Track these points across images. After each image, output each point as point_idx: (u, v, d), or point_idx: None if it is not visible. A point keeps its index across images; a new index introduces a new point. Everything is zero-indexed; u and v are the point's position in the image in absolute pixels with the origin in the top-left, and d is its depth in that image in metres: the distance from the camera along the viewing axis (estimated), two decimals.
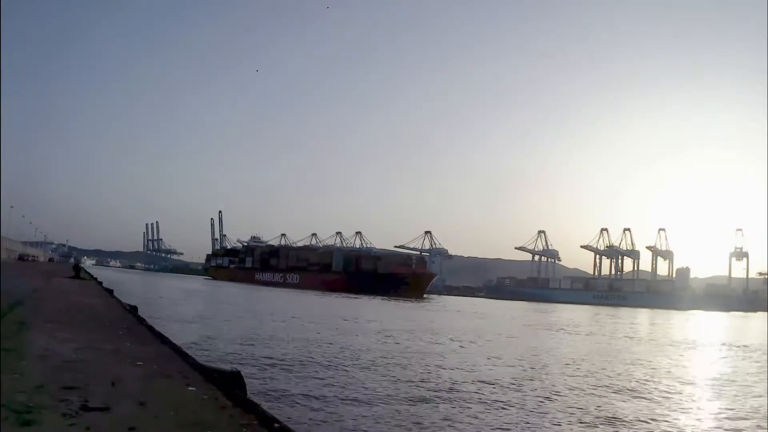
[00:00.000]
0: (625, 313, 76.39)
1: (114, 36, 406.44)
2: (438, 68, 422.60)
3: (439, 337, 26.90)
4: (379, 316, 40.71)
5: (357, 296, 78.76)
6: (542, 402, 12.83)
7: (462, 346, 23.65)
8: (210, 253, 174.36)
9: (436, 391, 13.28)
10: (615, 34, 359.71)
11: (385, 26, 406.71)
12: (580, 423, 11.15)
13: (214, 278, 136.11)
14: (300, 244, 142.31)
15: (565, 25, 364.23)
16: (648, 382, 16.56)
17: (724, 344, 33.09)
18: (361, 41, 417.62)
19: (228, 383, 5.69)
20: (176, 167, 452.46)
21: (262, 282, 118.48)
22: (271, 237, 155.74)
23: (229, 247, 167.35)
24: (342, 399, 11.85)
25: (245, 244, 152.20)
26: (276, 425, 4.21)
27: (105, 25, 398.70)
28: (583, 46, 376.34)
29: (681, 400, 14.32)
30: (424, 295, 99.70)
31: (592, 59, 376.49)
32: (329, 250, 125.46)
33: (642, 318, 65.77)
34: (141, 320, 12.41)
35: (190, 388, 5.24)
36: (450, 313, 53.82)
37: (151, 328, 10.72)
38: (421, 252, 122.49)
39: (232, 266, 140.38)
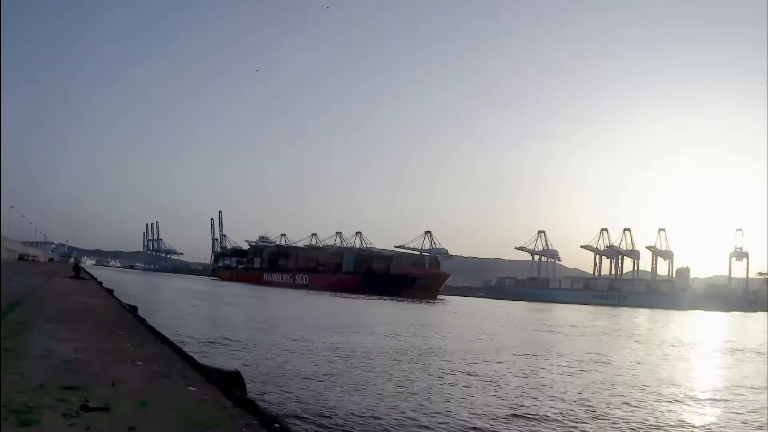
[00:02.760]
0: (627, 313, 76.41)
1: (113, 36, 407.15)
2: (438, 68, 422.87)
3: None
4: (392, 319, 40.68)
5: (368, 297, 77.64)
6: None
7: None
8: (213, 253, 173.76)
9: (447, 401, 13.24)
10: (615, 35, 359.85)
11: (386, 26, 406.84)
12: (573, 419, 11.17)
13: (222, 279, 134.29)
14: (300, 244, 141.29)
15: (566, 26, 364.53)
16: (652, 382, 16.57)
17: (725, 345, 33.12)
18: (362, 41, 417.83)
19: (228, 383, 5.70)
20: (176, 167, 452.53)
21: (270, 283, 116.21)
22: (271, 237, 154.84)
23: (229, 246, 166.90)
24: (344, 400, 11.85)
25: (253, 244, 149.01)
26: (276, 425, 4.21)
27: (105, 25, 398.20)
28: (583, 46, 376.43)
29: (682, 400, 14.31)
30: (438, 297, 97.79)
31: (592, 60, 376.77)
32: (340, 251, 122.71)
33: (647, 318, 65.76)
34: (141, 320, 12.41)
35: (190, 388, 5.24)
36: (474, 317, 53.65)
37: (151, 328, 10.72)
38: (421, 252, 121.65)
39: (240, 267, 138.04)
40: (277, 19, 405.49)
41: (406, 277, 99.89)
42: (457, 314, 52.92)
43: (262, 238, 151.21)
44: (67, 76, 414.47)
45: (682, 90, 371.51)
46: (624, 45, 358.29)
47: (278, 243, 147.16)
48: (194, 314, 32.30)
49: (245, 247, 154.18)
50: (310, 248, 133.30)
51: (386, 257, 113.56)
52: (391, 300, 74.62)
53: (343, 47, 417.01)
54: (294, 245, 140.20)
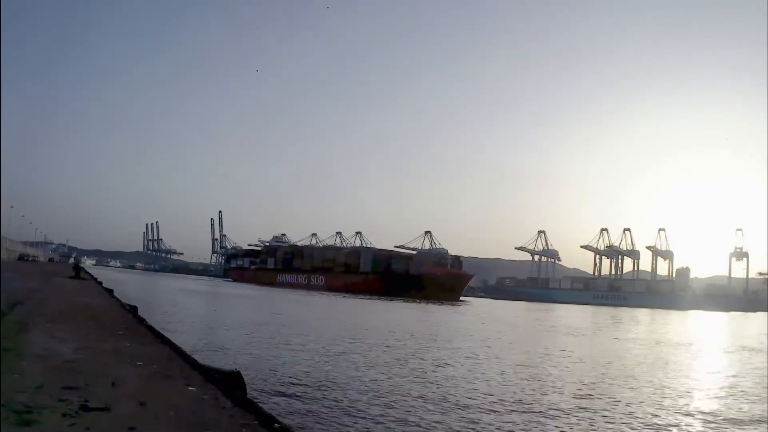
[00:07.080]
0: (626, 313, 76.34)
1: (114, 36, 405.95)
2: (439, 68, 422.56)
3: None
4: (409, 322, 40.51)
5: (386, 299, 75.47)
6: None
7: None
8: (214, 253, 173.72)
9: (447, 403, 13.23)
10: (615, 36, 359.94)
11: (386, 27, 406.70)
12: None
13: (234, 280, 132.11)
14: (300, 244, 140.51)
15: (566, 26, 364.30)
16: (652, 382, 16.57)
17: (724, 345, 33.15)
18: (362, 41, 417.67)
19: (228, 383, 5.69)
20: (176, 167, 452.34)
21: (284, 284, 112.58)
22: (270, 237, 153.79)
23: (230, 246, 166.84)
24: (344, 400, 11.85)
25: (267, 244, 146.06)
26: (276, 425, 4.21)
27: (105, 26, 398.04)
28: (583, 47, 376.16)
29: (681, 400, 14.30)
30: (460, 298, 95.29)
31: (592, 60, 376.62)
32: (357, 250, 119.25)
33: (647, 318, 65.75)
34: (141, 320, 12.41)
35: (190, 388, 5.24)
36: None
37: (151, 328, 10.72)
38: (419, 252, 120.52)
39: (253, 267, 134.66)
40: (277, 20, 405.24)
41: (427, 277, 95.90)
42: (481, 319, 52.84)
43: (276, 237, 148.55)
44: (67, 76, 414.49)
45: (682, 90, 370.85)
46: (624, 45, 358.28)
47: (292, 243, 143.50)
48: (195, 315, 32.29)
49: (246, 247, 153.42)
50: (327, 248, 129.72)
51: (406, 257, 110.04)
52: (411, 302, 71.94)
53: (343, 47, 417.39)
54: (309, 245, 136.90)
